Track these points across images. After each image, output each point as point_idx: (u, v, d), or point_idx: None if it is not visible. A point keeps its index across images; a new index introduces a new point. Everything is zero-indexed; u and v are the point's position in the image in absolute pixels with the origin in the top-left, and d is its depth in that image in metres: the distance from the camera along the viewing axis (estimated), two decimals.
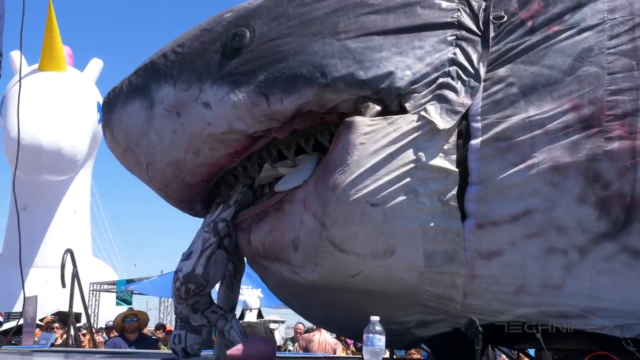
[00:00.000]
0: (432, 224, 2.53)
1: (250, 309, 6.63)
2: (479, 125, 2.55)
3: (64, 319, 8.20)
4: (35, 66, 16.01)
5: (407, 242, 2.56)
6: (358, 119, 2.64)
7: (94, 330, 7.57)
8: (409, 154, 2.54)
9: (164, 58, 3.09)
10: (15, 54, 16.39)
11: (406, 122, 2.58)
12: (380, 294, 2.71)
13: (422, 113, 2.58)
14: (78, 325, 7.85)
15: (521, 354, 4.28)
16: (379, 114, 2.67)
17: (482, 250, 2.55)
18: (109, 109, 3.34)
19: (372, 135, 2.58)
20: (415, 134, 2.55)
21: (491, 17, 2.69)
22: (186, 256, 3.17)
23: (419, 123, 2.57)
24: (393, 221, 2.54)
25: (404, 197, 2.53)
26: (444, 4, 2.73)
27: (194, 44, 3.01)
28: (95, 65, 18.34)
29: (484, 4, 2.74)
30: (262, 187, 3.18)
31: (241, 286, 3.70)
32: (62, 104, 14.79)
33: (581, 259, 2.50)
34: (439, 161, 2.53)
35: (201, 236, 3.16)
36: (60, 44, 15.90)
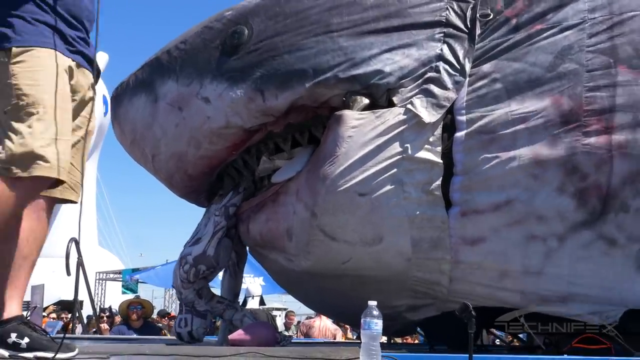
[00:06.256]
0: (417, 212, 2.67)
1: (253, 297, 6.77)
2: (463, 118, 2.68)
3: (67, 307, 8.29)
4: None
5: (395, 230, 2.69)
6: (347, 112, 2.76)
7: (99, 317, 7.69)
8: (396, 146, 2.66)
9: (167, 54, 3.19)
10: None
11: (393, 116, 2.70)
12: (370, 279, 2.84)
13: (409, 106, 2.70)
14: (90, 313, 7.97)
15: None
16: (367, 107, 2.79)
17: (466, 237, 2.68)
18: (117, 102, 3.45)
19: (360, 128, 2.70)
20: (402, 127, 2.68)
21: (478, 15, 2.81)
22: (194, 241, 3.24)
23: (405, 116, 2.69)
24: (380, 210, 2.67)
25: (391, 187, 2.66)
26: (433, 4, 2.85)
27: (196, 40, 3.12)
28: (101, 58, 18.43)
29: (471, 2, 2.85)
30: (262, 179, 3.30)
31: (243, 275, 3.78)
32: None
33: (560, 246, 2.64)
34: (425, 153, 2.66)
35: (212, 220, 3.24)
36: None
